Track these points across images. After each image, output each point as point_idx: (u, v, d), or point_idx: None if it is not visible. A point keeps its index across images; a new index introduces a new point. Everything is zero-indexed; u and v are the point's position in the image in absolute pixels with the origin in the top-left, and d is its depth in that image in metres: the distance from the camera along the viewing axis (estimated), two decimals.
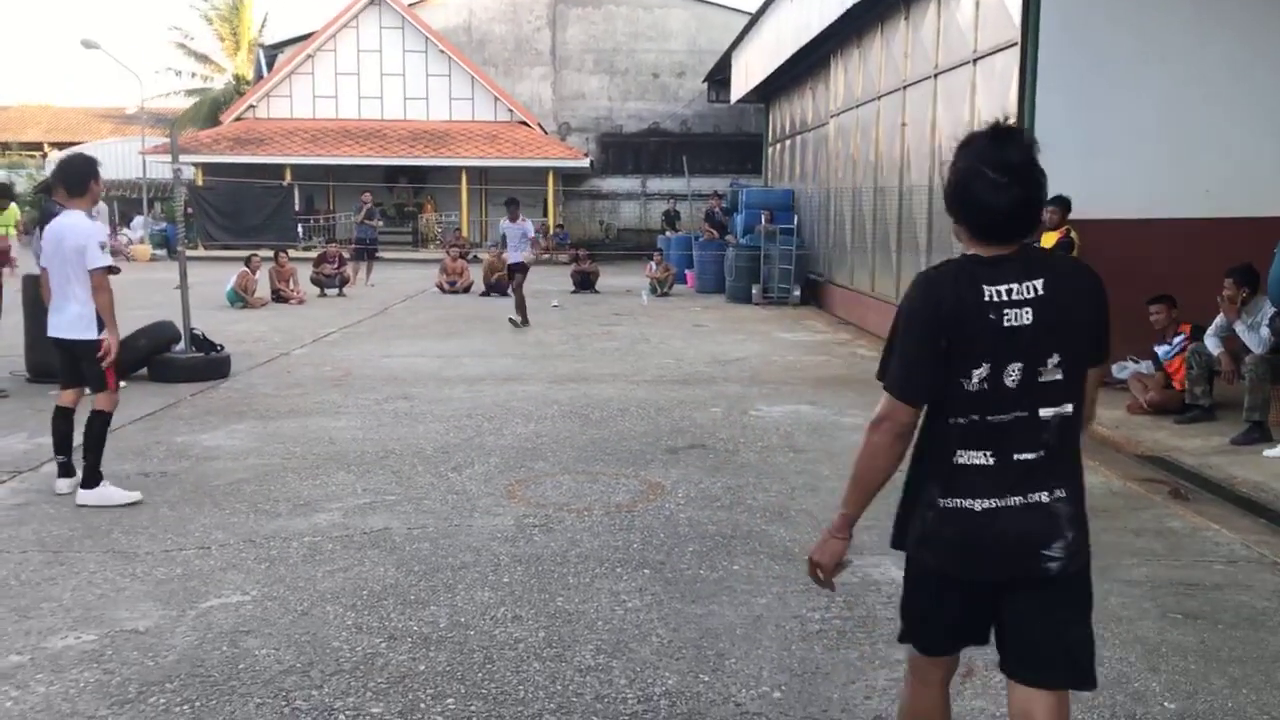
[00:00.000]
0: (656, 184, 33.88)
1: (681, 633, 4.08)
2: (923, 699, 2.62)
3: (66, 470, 5.92)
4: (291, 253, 19.05)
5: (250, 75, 36.54)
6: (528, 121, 31.93)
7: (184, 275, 10.08)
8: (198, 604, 4.33)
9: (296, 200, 29.82)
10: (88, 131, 42.48)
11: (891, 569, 4.57)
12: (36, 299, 8.89)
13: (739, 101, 25.68)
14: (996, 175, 2.26)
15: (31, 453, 6.82)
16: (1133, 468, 6.76)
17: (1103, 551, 4.11)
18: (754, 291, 18.04)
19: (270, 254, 18.12)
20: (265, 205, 28.81)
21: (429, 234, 31.61)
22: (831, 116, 17.02)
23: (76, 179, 5.84)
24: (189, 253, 11.37)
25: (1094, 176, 8.71)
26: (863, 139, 15.13)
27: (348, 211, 27.61)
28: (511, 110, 32.00)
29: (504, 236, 14.64)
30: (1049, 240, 8.28)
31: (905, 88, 12.96)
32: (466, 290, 19.52)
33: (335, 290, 18.58)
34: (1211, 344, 7.52)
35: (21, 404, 8.40)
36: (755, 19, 21.24)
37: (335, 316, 15.19)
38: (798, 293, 17.85)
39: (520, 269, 14.41)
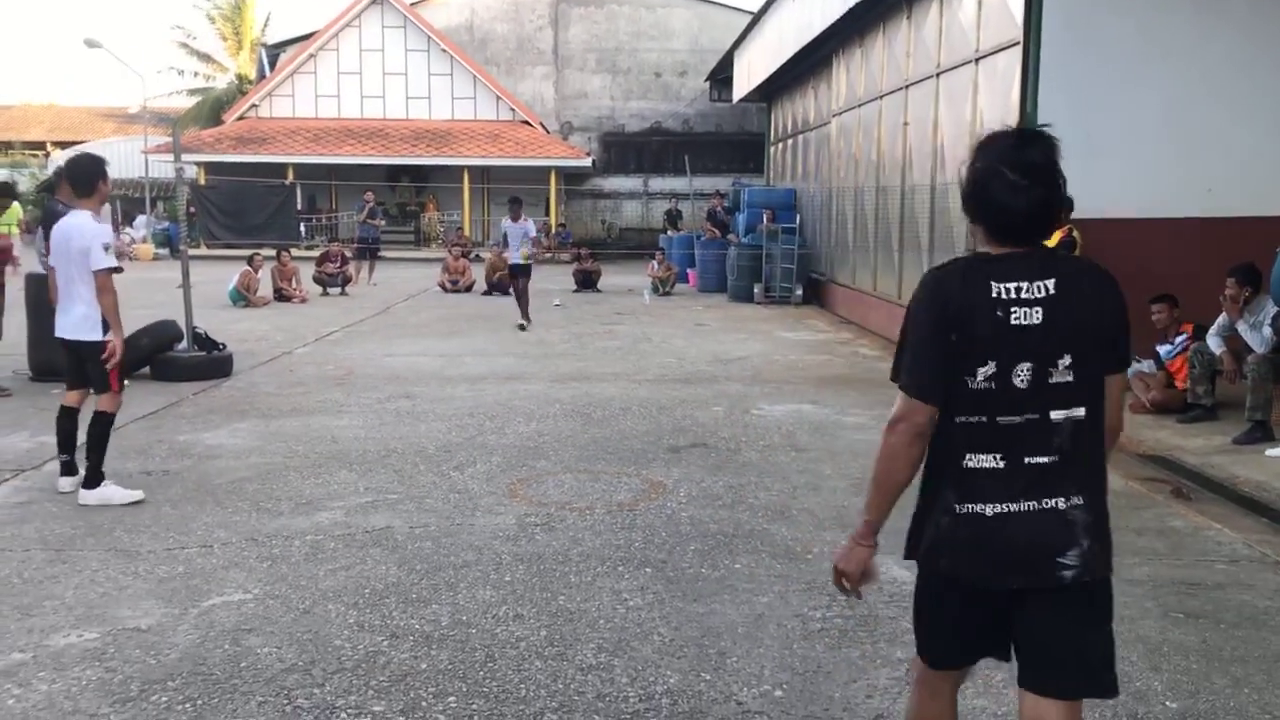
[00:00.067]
0: (658, 183, 33.87)
1: (683, 631, 4.08)
2: (930, 710, 2.57)
3: (69, 469, 5.92)
4: (294, 252, 19.07)
5: (252, 74, 36.55)
6: (530, 121, 31.93)
7: (186, 274, 10.08)
8: (200, 602, 4.34)
9: (299, 199, 29.83)
10: (90, 131, 42.55)
11: (894, 568, 4.56)
12: (39, 298, 8.93)
13: (741, 101, 25.68)
14: (1016, 176, 2.24)
15: (34, 451, 6.83)
16: (1135, 467, 6.76)
17: None
18: (756, 291, 18.04)
19: (273, 253, 18.12)
20: (268, 204, 28.81)
21: (431, 233, 31.61)
22: (833, 116, 17.01)
23: (84, 179, 5.81)
24: (191, 252, 11.38)
25: (1096, 176, 8.68)
26: (865, 138, 15.12)
27: (350, 211, 27.60)
28: (514, 109, 32.01)
29: (505, 235, 14.59)
30: (1051, 240, 8.27)
31: (907, 87, 12.96)
32: (468, 289, 19.52)
33: (337, 289, 18.60)
34: (1214, 343, 7.52)
35: (24, 402, 8.40)
36: (757, 18, 21.25)
37: (337, 315, 15.20)
38: (800, 292, 17.84)
39: (524, 272, 14.27)
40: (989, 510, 2.27)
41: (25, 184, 32.43)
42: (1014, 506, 2.27)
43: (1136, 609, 4.34)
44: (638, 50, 34.11)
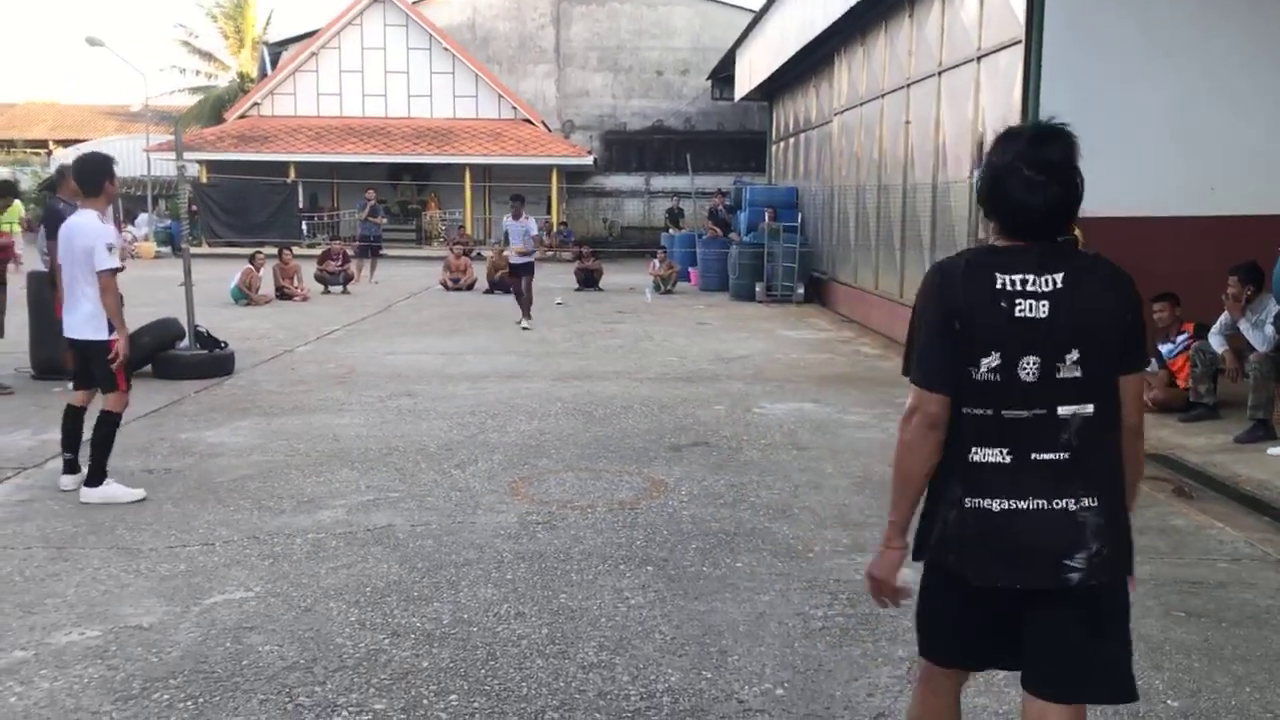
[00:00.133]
0: (660, 181, 33.86)
1: (684, 630, 4.09)
2: (932, 709, 2.55)
3: (72, 467, 5.93)
4: (295, 250, 19.08)
5: (254, 73, 36.55)
6: (531, 119, 31.91)
7: (188, 272, 10.09)
8: (201, 600, 4.34)
9: (300, 197, 29.81)
10: (92, 129, 42.58)
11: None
12: (40, 296, 8.94)
13: (743, 99, 25.66)
14: (1033, 173, 2.22)
15: (36, 449, 6.83)
16: None
17: None
18: (757, 289, 18.03)
19: (274, 251, 18.14)
20: (269, 202, 28.81)
21: (433, 231, 31.61)
22: (835, 114, 17.00)
23: (92, 179, 5.77)
24: (193, 250, 11.39)
25: (1098, 174, 8.56)
26: (866, 137, 15.12)
27: (352, 209, 27.58)
28: (515, 108, 31.99)
29: (507, 233, 14.56)
30: None
31: (909, 85, 12.95)
32: (470, 287, 19.53)
33: (339, 287, 18.60)
34: (1216, 342, 7.51)
35: (26, 400, 8.41)
36: (759, 17, 21.23)
37: (339, 314, 15.21)
38: (801, 291, 17.83)
39: (527, 270, 14.16)
40: (996, 506, 2.25)
41: (27, 182, 32.42)
42: (1022, 504, 2.24)
43: (1138, 607, 4.30)
44: (639, 48, 34.08)
